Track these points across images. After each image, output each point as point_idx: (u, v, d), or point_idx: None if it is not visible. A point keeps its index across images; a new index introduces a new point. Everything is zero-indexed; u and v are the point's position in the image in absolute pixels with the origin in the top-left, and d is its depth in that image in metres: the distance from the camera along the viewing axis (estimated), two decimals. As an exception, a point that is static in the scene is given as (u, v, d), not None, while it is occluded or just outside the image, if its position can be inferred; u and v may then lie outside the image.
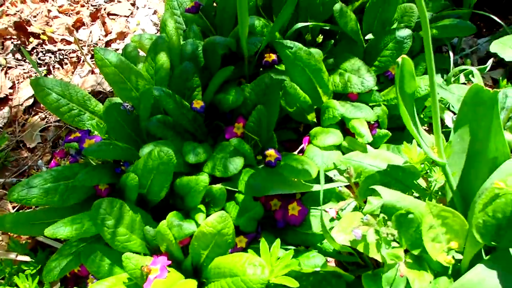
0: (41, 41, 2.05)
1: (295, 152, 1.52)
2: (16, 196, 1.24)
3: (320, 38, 1.65)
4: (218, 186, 1.27)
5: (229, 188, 1.29)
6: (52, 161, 1.59)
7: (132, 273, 1.17)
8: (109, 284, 1.19)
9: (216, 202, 1.28)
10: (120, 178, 1.29)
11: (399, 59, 1.03)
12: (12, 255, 1.38)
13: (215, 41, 1.45)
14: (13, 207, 1.61)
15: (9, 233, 1.52)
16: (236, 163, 1.25)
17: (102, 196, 1.30)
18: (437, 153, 1.19)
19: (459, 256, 1.15)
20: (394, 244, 1.18)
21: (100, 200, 1.19)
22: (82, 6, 2.19)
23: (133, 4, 2.18)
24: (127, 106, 1.40)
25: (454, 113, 1.51)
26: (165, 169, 1.20)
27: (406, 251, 1.22)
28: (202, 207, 1.27)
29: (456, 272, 1.16)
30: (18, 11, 2.13)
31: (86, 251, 1.25)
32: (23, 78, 1.98)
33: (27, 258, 1.38)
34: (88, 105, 1.52)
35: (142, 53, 1.69)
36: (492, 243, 1.03)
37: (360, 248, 1.11)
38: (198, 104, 1.38)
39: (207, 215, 1.28)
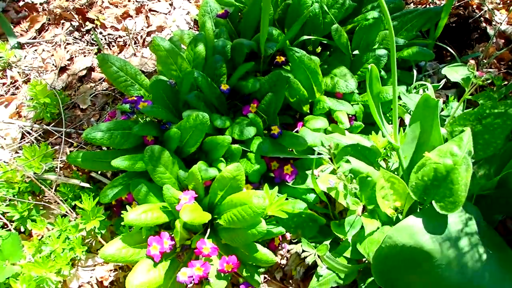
0: (94, 26, 2.44)
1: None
2: (88, 136, 1.63)
3: (318, 49, 2.06)
4: (236, 145, 1.67)
5: (243, 148, 1.70)
6: (105, 118, 1.99)
7: (168, 199, 1.56)
8: (147, 208, 1.56)
9: (233, 157, 1.68)
10: (164, 132, 1.69)
11: (369, 66, 1.45)
12: (76, 181, 1.77)
13: (242, 42, 1.85)
14: (70, 151, 2.00)
15: (69, 168, 1.92)
16: (250, 130, 1.66)
17: (148, 145, 1.69)
18: (394, 139, 1.61)
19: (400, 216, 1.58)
20: (355, 199, 1.60)
21: (151, 146, 1.57)
22: (129, 1, 2.58)
23: (171, 4, 2.57)
24: (171, 82, 1.80)
25: (412, 116, 1.93)
26: (201, 127, 1.60)
27: (364, 211, 1.64)
28: (223, 159, 1.68)
29: (397, 222, 1.56)
30: (75, -1, 2.52)
31: (134, 183, 1.64)
32: (79, 54, 2.36)
33: (87, 185, 1.77)
34: (138, 79, 1.91)
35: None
36: (422, 198, 1.44)
37: (333, 194, 1.52)
38: (225, 87, 1.79)
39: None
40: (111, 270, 1.75)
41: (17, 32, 2.45)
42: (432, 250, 1.38)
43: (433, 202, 1.38)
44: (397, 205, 1.54)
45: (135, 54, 2.36)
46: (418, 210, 1.56)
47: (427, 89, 1.87)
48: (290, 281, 1.76)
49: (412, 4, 2.77)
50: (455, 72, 1.82)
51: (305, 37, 1.97)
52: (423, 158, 1.42)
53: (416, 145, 1.64)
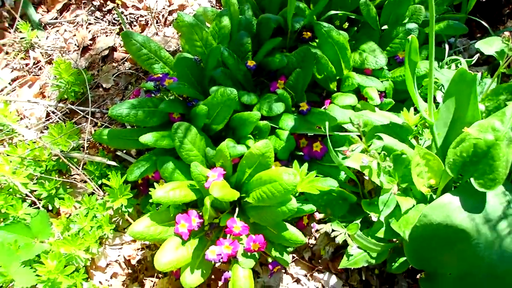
0: (116, 5, 2.40)
1: (319, 110, 1.88)
2: (114, 113, 1.60)
3: (346, 25, 1.99)
4: (264, 122, 1.62)
5: (272, 125, 1.65)
6: (130, 97, 1.95)
7: (196, 177, 1.52)
8: (175, 186, 1.53)
9: (261, 134, 1.63)
10: (191, 110, 1.65)
11: (409, 37, 1.38)
12: (103, 159, 1.74)
13: (269, 17, 1.79)
14: (95, 131, 1.97)
15: (94, 148, 1.90)
16: (279, 106, 1.62)
17: (175, 122, 1.65)
18: (428, 115, 1.55)
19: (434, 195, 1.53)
20: (390, 178, 1.54)
21: (179, 122, 1.54)
22: (150, -20, 2.53)
23: (192, -18, 2.53)
24: (196, 59, 1.76)
25: (443, 93, 1.86)
26: (229, 103, 1.56)
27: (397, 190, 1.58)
28: (251, 136, 1.64)
29: (432, 200, 1.51)
30: (97, -22, 2.48)
31: (161, 160, 1.62)
32: (100, 33, 2.33)
33: (114, 163, 1.75)
34: (162, 56, 1.86)
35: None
36: (459, 176, 1.39)
37: (366, 172, 1.47)
38: (251, 63, 1.74)
39: (253, 144, 1.65)
40: (138, 249, 1.73)
41: (38, 12, 2.42)
42: (469, 229, 1.33)
43: (472, 179, 1.33)
44: (432, 182, 1.48)
45: (157, 34, 2.32)
46: (453, 188, 1.51)
47: (460, 65, 1.80)
48: (319, 260, 1.73)
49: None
50: (489, 46, 1.75)
51: (332, 12, 1.91)
52: (462, 134, 1.36)
53: (450, 122, 1.57)
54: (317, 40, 1.88)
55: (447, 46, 1.96)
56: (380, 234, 1.56)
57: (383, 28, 1.95)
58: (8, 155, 1.61)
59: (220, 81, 1.70)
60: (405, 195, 1.54)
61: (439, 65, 1.93)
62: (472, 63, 1.97)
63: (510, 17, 2.38)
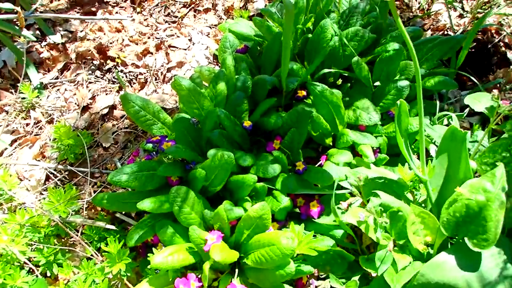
0: (115, 64, 2.47)
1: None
2: (114, 179, 1.63)
3: (339, 82, 2.05)
4: (261, 183, 1.66)
5: (268, 186, 1.69)
6: (130, 158, 1.99)
7: (195, 240, 1.54)
8: (173, 250, 1.55)
9: (258, 195, 1.67)
10: (189, 172, 1.68)
11: (398, 102, 1.44)
12: (102, 224, 1.76)
13: (265, 78, 1.85)
14: (94, 191, 2.01)
15: (93, 209, 1.92)
16: (275, 168, 1.65)
17: (173, 185, 1.68)
18: (421, 172, 1.58)
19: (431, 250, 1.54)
20: (386, 234, 1.56)
21: (177, 187, 1.56)
22: (149, 38, 2.61)
23: (190, 40, 2.60)
24: (194, 120, 1.81)
25: (437, 146, 1.90)
26: (226, 167, 1.59)
27: (394, 246, 1.60)
28: (248, 198, 1.67)
29: (428, 257, 1.53)
30: (96, 37, 2.56)
31: (159, 224, 1.63)
32: (100, 92, 2.39)
33: (113, 227, 1.77)
34: (160, 117, 1.92)
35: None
36: (454, 234, 1.41)
37: (362, 228, 1.49)
38: (248, 123, 1.79)
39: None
40: (137, 313, 1.72)
41: (40, 72, 2.49)
42: (467, 288, 1.34)
43: (466, 239, 1.35)
44: (428, 240, 1.51)
45: (156, 91, 2.38)
46: (449, 245, 1.53)
47: (451, 119, 1.85)
48: (319, 319, 1.72)
49: (429, 31, 2.77)
50: (478, 102, 1.80)
51: (326, 70, 1.97)
52: (454, 194, 1.39)
53: (444, 178, 1.61)
54: (311, 97, 1.93)
55: (438, 101, 2.02)
56: (378, 291, 1.58)
57: (375, 84, 2.01)
58: (6, 222, 1.64)
59: (217, 143, 1.74)
60: (402, 252, 1.56)
61: (431, 120, 1.97)
62: (465, 115, 2.02)
63: (499, 67, 2.45)
